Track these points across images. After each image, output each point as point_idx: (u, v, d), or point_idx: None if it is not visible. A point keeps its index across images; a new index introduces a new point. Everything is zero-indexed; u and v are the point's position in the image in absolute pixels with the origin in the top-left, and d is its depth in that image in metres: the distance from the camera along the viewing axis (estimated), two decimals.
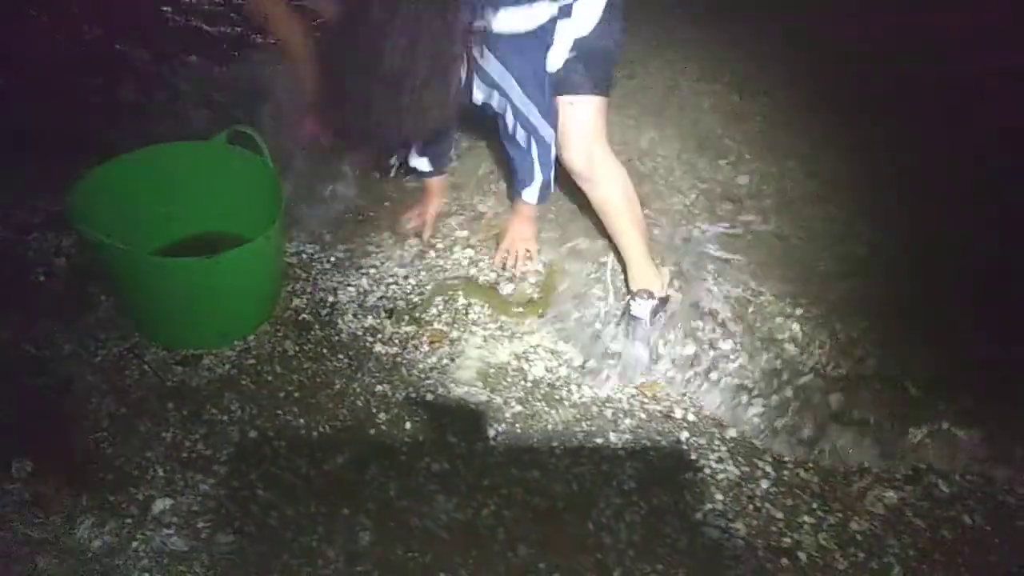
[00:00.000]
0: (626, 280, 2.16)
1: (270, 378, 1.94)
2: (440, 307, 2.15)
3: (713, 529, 1.72)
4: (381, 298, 2.16)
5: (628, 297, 2.12)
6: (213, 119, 2.47)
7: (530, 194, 2.15)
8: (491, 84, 1.84)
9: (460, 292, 2.18)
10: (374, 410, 1.90)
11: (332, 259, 2.25)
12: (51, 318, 1.99)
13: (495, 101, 1.90)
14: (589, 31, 1.84)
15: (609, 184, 2.03)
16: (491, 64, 1.79)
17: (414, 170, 2.30)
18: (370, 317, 2.11)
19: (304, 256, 2.25)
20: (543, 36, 1.79)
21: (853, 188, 2.56)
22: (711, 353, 2.07)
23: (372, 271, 2.23)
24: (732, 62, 3.08)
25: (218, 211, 2.09)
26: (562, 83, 1.90)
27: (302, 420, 1.86)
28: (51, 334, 1.96)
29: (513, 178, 2.19)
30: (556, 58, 1.85)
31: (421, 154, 2.24)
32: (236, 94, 2.64)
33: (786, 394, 2.00)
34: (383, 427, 1.87)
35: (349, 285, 2.18)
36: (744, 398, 2.00)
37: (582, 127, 1.96)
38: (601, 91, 1.94)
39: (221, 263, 1.76)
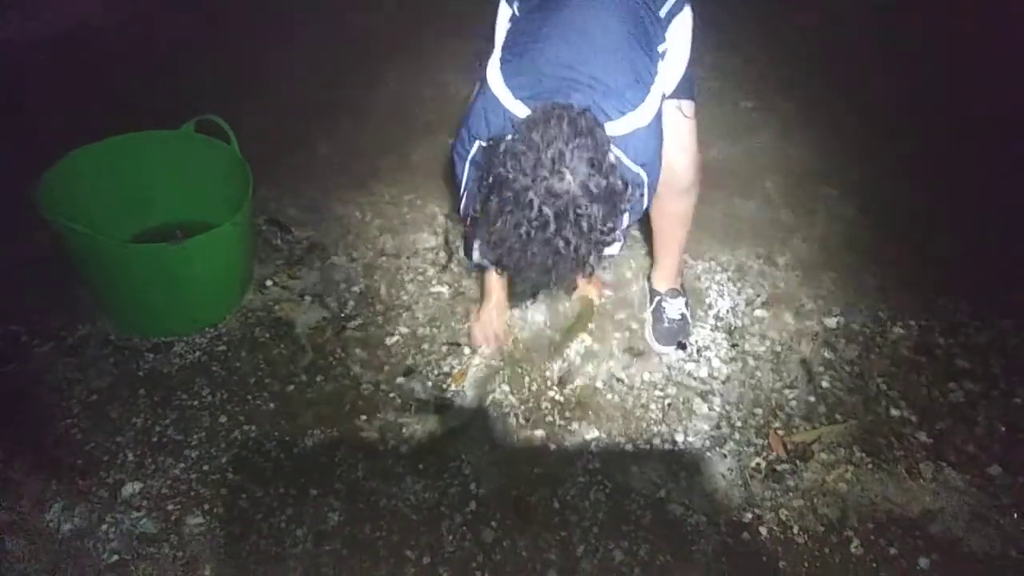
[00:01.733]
0: (650, 281, 2.17)
1: (240, 364, 1.96)
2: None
3: (676, 506, 1.76)
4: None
5: (658, 298, 2.12)
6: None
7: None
8: None
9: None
10: (344, 395, 1.92)
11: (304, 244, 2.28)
12: (22, 307, 2.00)
13: None
14: (688, 57, 1.71)
15: (696, 193, 1.92)
16: None
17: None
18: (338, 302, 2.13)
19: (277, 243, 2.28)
20: (659, 110, 1.59)
21: None
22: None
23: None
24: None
25: (188, 199, 2.11)
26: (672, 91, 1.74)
27: (272, 405, 1.88)
28: (23, 322, 1.97)
29: None
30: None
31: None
32: None
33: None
34: (353, 411, 1.89)
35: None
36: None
37: (695, 142, 1.83)
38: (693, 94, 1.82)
39: (189, 248, 1.78)
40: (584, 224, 1.36)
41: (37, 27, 2.95)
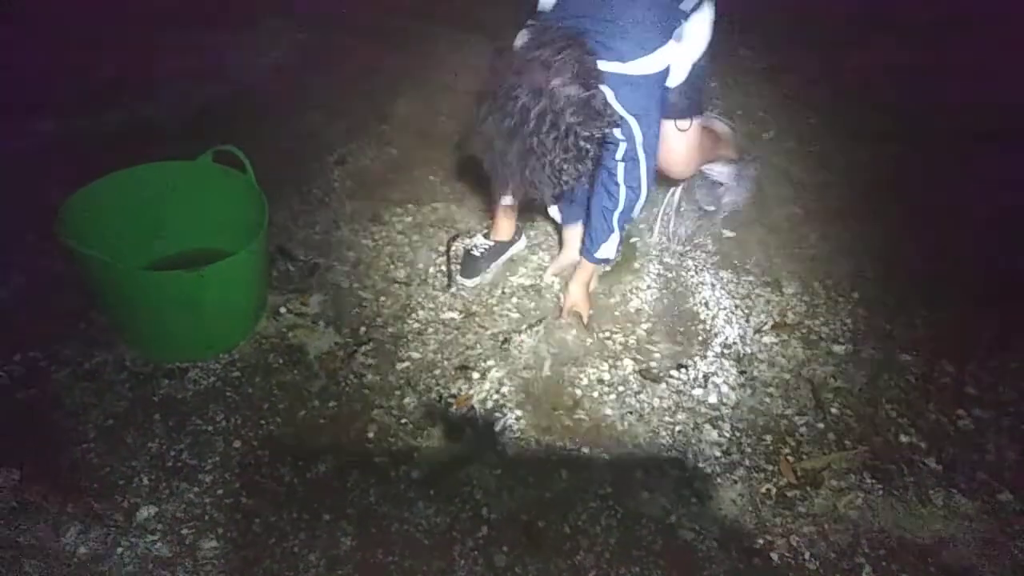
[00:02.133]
0: None
1: (253, 390, 1.98)
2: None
3: (687, 531, 1.76)
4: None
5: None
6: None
7: (607, 250, 2.07)
8: None
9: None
10: (356, 420, 1.94)
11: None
12: (40, 332, 2.03)
13: None
14: (701, 53, 1.85)
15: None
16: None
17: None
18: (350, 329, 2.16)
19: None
20: (663, 73, 1.77)
21: None
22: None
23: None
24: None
25: (205, 227, 2.15)
26: (671, 108, 1.89)
27: (285, 430, 1.90)
28: (41, 348, 2.00)
29: (585, 238, 2.13)
30: (673, 87, 1.84)
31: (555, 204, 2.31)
32: None
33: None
34: (364, 436, 1.91)
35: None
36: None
37: (690, 150, 2.03)
38: (701, 111, 2.00)
39: (206, 276, 1.81)
40: (561, 126, 1.54)
41: None
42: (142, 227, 2.09)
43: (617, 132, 1.76)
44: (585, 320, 2.22)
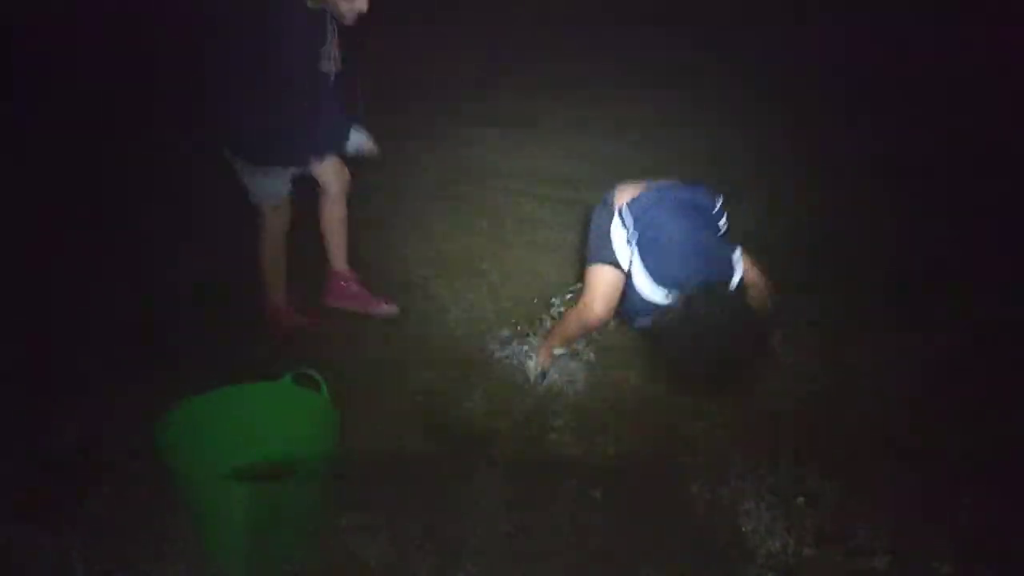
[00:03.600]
0: None
1: None
2: None
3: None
4: None
5: None
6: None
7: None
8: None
9: None
10: None
11: None
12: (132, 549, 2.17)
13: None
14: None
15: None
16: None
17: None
18: None
19: None
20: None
21: None
22: None
23: None
24: None
25: (283, 441, 2.35)
26: None
27: None
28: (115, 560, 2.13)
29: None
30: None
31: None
32: None
33: None
34: None
35: None
36: None
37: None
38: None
39: (282, 486, 2.00)
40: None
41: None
42: (228, 440, 2.30)
43: None
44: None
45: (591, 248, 2.88)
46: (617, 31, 7.15)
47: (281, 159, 2.87)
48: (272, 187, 2.91)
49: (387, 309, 3.29)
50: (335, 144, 2.97)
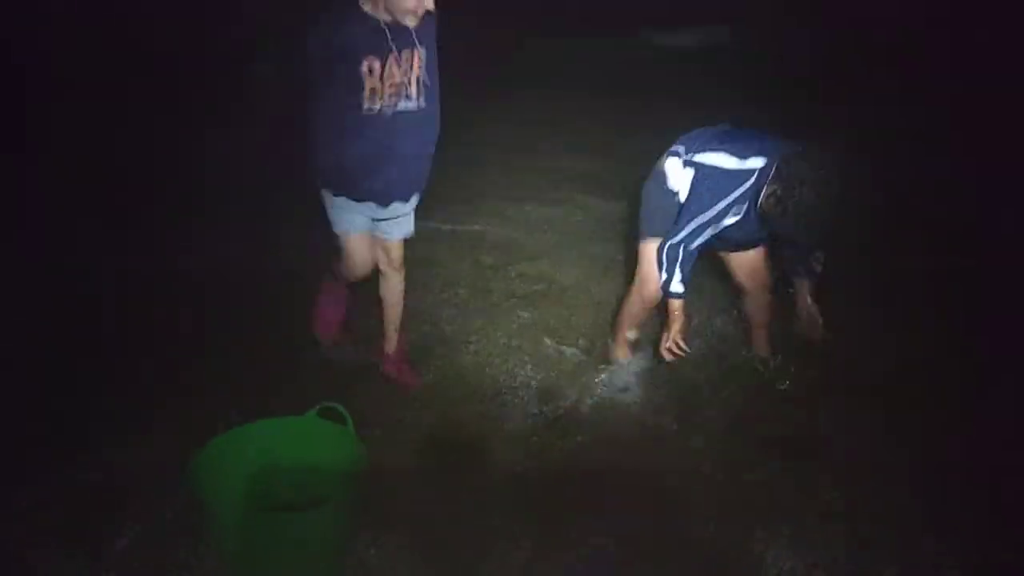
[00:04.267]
0: None
1: None
2: None
3: None
4: None
5: None
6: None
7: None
8: None
9: None
10: None
11: None
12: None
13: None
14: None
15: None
16: None
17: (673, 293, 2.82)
18: None
19: None
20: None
21: None
22: None
23: None
24: None
25: (309, 473, 2.44)
26: None
27: None
28: None
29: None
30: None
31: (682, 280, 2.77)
32: None
33: None
34: None
35: None
36: None
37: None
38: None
39: (309, 517, 2.11)
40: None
41: None
42: (255, 472, 2.40)
43: None
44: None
45: (643, 222, 2.97)
46: None
47: (330, 187, 2.66)
48: (336, 215, 2.74)
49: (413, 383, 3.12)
50: (391, 191, 2.64)
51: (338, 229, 2.77)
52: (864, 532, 2.48)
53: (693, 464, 2.78)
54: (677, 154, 2.84)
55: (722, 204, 2.65)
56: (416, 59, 2.44)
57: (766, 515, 2.54)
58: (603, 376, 3.17)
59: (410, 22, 2.35)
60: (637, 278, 2.99)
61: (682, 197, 2.79)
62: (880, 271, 3.95)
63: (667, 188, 2.85)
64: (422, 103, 2.51)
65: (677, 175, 2.82)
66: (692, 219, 2.69)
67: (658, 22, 8.16)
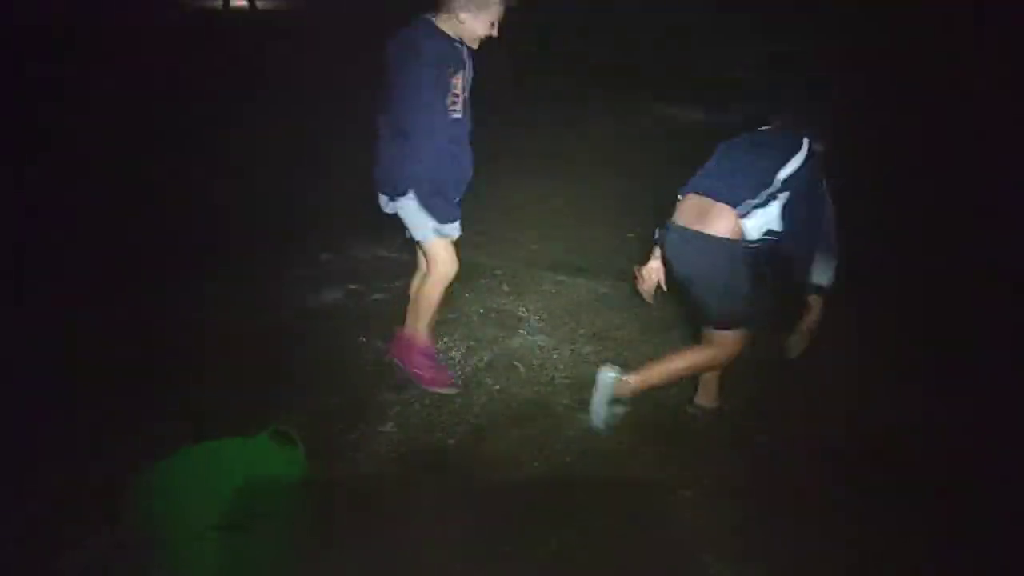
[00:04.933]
0: None
1: None
2: None
3: None
4: None
5: None
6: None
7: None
8: None
9: None
10: None
11: None
12: None
13: None
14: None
15: None
16: None
17: None
18: None
19: None
20: None
21: None
22: None
23: None
24: None
25: (258, 497, 2.38)
26: None
27: None
28: None
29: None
30: None
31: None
32: None
33: None
34: None
35: None
36: None
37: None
38: None
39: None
40: None
41: None
42: (204, 494, 2.34)
43: None
44: None
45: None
46: None
47: (439, 194, 2.79)
48: (439, 218, 2.82)
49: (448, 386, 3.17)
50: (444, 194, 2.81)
51: (440, 233, 2.84)
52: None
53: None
54: (736, 213, 2.64)
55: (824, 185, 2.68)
56: (467, 77, 2.74)
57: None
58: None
59: (474, 45, 2.66)
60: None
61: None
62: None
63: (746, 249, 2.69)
64: (466, 115, 2.81)
65: (757, 223, 2.65)
66: (825, 219, 2.67)
67: None
